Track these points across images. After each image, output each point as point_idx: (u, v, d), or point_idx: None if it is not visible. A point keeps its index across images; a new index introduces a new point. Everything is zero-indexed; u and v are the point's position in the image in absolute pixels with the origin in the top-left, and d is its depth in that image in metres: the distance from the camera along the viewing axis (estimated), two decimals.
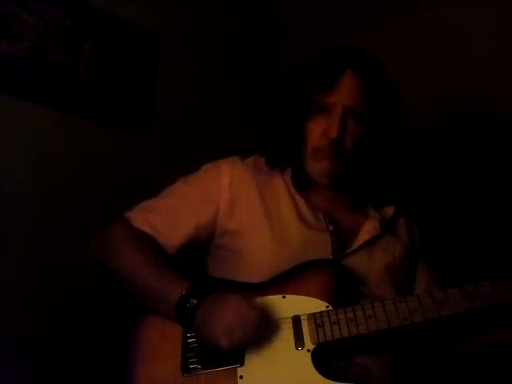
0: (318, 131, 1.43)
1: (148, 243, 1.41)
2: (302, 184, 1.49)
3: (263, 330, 1.23)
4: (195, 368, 1.27)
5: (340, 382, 1.22)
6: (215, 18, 2.78)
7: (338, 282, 1.33)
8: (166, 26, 2.59)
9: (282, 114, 1.50)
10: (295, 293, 1.31)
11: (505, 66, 2.23)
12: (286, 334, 1.26)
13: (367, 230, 1.47)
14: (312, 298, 1.30)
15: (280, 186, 1.50)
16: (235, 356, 1.25)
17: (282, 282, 1.34)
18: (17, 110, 2.15)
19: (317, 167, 1.45)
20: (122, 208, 2.18)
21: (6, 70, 2.14)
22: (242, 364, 1.25)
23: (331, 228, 1.43)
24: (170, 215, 1.46)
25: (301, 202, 1.47)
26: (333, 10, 2.77)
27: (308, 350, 1.24)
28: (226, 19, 2.83)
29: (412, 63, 2.43)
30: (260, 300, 1.30)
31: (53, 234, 2.16)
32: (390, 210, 1.54)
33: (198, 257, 1.52)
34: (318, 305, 1.29)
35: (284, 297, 1.31)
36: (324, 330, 1.25)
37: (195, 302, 1.26)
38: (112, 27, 2.42)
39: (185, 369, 1.27)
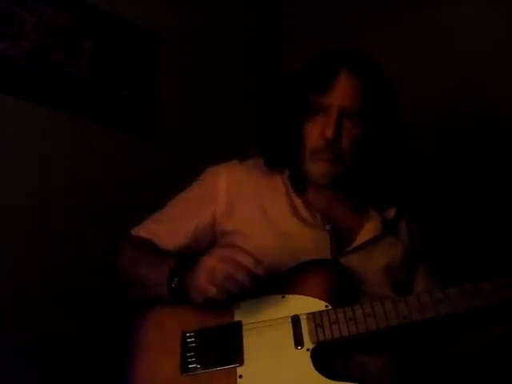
0: (316, 132, 1.45)
1: (147, 244, 1.47)
2: (300, 184, 1.51)
3: (250, 271, 1.22)
4: (194, 367, 1.27)
5: (339, 380, 1.21)
6: (215, 17, 2.79)
7: (338, 283, 1.33)
8: (166, 26, 2.58)
9: (280, 116, 1.51)
10: (294, 293, 1.32)
11: (505, 66, 2.23)
12: (286, 333, 1.27)
13: (369, 229, 1.48)
14: (311, 298, 1.30)
15: (278, 186, 1.52)
16: (234, 355, 1.26)
17: (281, 282, 1.34)
18: (17, 110, 2.15)
19: (315, 168, 1.47)
20: (121, 208, 2.20)
21: (6, 70, 2.13)
22: (241, 363, 1.25)
23: (328, 227, 1.44)
24: (171, 222, 1.51)
25: (298, 202, 1.48)
26: (333, 11, 2.77)
27: (307, 350, 1.25)
28: (227, 19, 2.83)
29: (412, 63, 2.43)
30: (259, 299, 1.31)
31: (52, 233, 2.16)
32: (391, 212, 1.54)
33: None
34: (318, 304, 1.29)
35: (283, 296, 1.32)
36: (323, 330, 1.26)
37: (181, 271, 1.29)
38: (112, 27, 2.42)
39: (184, 368, 1.28)
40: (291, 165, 1.52)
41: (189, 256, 1.37)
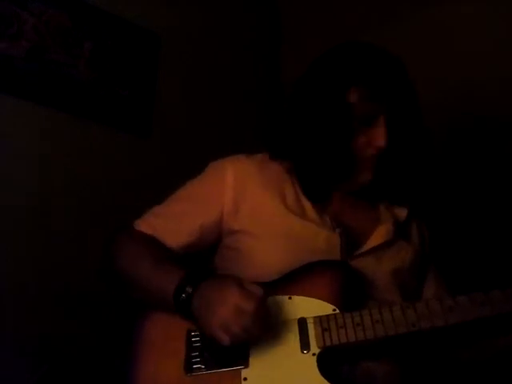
0: (363, 141, 1.39)
1: (149, 241, 1.42)
2: (319, 195, 1.46)
3: (264, 321, 1.18)
4: (199, 368, 1.25)
5: None
6: (215, 17, 2.79)
7: (346, 285, 1.30)
8: (166, 26, 2.58)
9: (323, 132, 1.40)
10: (302, 294, 1.29)
11: (505, 66, 2.23)
12: (292, 336, 1.25)
13: (381, 233, 1.44)
14: (319, 301, 1.28)
15: (287, 185, 1.47)
16: (240, 357, 1.24)
17: (289, 282, 1.32)
18: (17, 110, 2.15)
19: (361, 178, 1.42)
20: (121, 208, 2.20)
21: (6, 70, 2.13)
22: (246, 366, 1.23)
23: (338, 231, 1.41)
24: (174, 219, 1.46)
25: (307, 205, 1.45)
26: (333, 11, 2.77)
27: (313, 354, 1.23)
28: (227, 19, 2.83)
29: (412, 63, 2.42)
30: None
31: (52, 233, 2.16)
32: (403, 213, 1.51)
33: (206, 260, 1.51)
34: (325, 307, 1.27)
35: (290, 298, 1.29)
36: (330, 334, 1.23)
37: (190, 290, 1.23)
38: (112, 27, 2.42)
39: (188, 369, 1.26)
40: (316, 172, 1.44)
41: (197, 266, 1.34)
